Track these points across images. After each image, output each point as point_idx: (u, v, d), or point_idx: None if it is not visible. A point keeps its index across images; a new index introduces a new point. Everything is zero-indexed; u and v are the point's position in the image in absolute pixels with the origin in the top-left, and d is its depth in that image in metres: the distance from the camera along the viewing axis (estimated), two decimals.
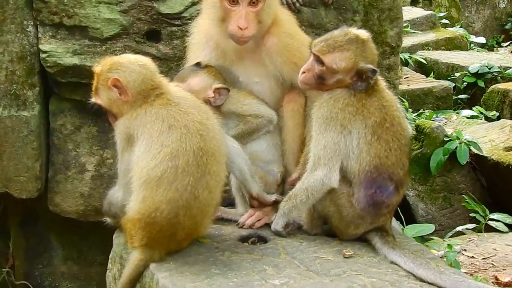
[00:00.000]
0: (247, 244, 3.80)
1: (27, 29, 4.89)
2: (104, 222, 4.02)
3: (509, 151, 6.29)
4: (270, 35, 4.03)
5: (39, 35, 4.81)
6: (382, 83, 3.78)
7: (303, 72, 3.69)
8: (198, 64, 4.04)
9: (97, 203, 5.00)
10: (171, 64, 4.68)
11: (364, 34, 3.72)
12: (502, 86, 8.26)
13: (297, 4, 4.63)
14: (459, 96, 8.81)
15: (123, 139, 3.57)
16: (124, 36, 4.76)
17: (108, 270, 4.04)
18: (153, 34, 4.81)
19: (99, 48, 4.76)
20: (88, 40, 4.76)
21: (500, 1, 13.15)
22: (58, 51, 4.76)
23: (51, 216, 5.22)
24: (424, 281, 3.35)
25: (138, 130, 3.49)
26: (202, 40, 4.18)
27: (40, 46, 4.79)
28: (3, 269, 5.42)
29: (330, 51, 3.59)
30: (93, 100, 3.76)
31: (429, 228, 4.76)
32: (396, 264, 3.52)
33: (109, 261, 4.02)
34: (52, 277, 5.57)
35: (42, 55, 4.79)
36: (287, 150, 4.18)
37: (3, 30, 4.87)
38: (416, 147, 6.22)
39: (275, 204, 3.95)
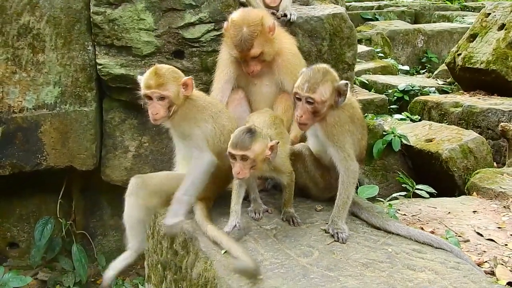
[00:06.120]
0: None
1: (88, 48, 4.82)
2: None
3: (428, 142, 6.28)
4: (280, 54, 3.85)
5: (96, 52, 4.73)
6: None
7: (300, 117, 3.15)
8: (250, 130, 3.06)
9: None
10: (191, 75, 4.55)
11: (325, 65, 3.32)
12: (422, 98, 8.29)
13: None
14: (391, 106, 8.79)
15: None
16: (158, 54, 4.68)
17: None
18: (179, 53, 4.73)
19: (139, 62, 4.68)
20: (131, 57, 4.67)
21: (418, 42, 13.18)
22: (110, 64, 4.67)
23: (103, 184, 5.15)
24: (375, 227, 3.29)
25: None
26: (227, 58, 3.91)
27: (97, 60, 4.71)
28: (68, 222, 5.32)
29: (315, 89, 3.13)
30: None
31: (374, 189, 4.49)
32: (355, 216, 3.42)
33: None
34: (103, 228, 5.52)
35: (98, 67, 4.71)
36: None
37: (70, 48, 4.79)
38: None
39: None
